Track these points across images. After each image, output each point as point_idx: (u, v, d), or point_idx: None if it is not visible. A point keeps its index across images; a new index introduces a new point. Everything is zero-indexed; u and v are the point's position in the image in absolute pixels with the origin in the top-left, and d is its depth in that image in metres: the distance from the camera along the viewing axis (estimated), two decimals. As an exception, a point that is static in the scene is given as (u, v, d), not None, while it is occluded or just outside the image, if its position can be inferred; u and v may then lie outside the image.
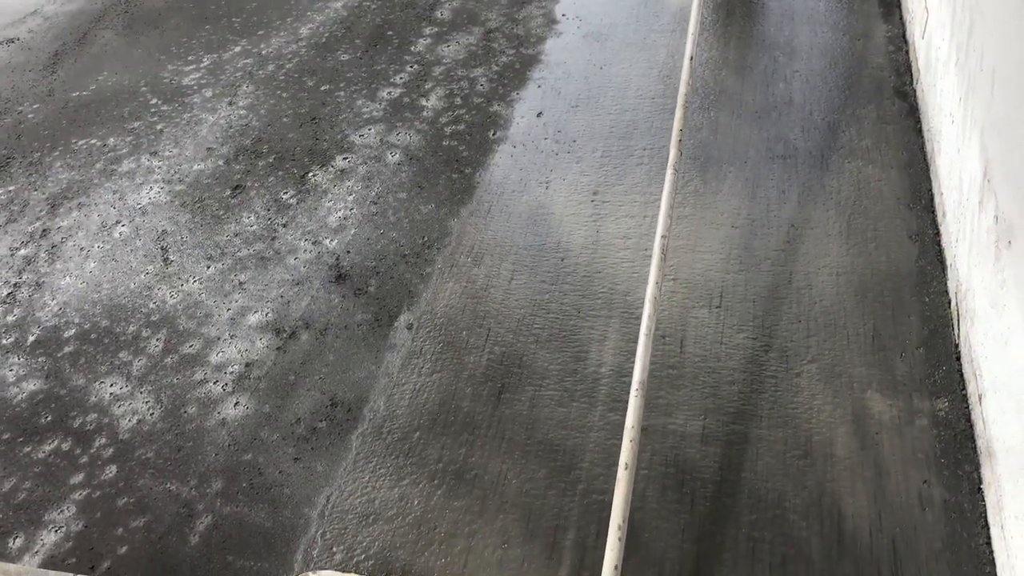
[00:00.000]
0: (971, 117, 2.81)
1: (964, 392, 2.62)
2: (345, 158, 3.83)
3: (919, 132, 3.56)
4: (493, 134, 3.89)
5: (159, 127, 4.16)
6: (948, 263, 2.96)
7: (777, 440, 2.58)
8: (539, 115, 3.96)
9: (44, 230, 3.64)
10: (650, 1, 4.77)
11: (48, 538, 2.57)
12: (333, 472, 2.64)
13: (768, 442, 2.57)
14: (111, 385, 2.98)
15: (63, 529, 2.59)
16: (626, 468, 2.31)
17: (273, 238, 3.46)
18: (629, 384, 2.49)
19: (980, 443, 2.45)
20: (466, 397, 2.80)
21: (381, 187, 3.65)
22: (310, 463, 2.68)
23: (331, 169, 3.78)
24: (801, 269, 3.07)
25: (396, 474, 2.62)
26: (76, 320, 3.23)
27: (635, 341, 2.58)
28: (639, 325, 2.62)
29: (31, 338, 3.17)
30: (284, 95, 4.29)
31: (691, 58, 3.46)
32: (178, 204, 3.69)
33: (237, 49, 4.70)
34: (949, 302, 2.87)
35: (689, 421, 2.65)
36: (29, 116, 4.34)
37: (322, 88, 4.31)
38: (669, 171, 3.02)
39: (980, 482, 2.40)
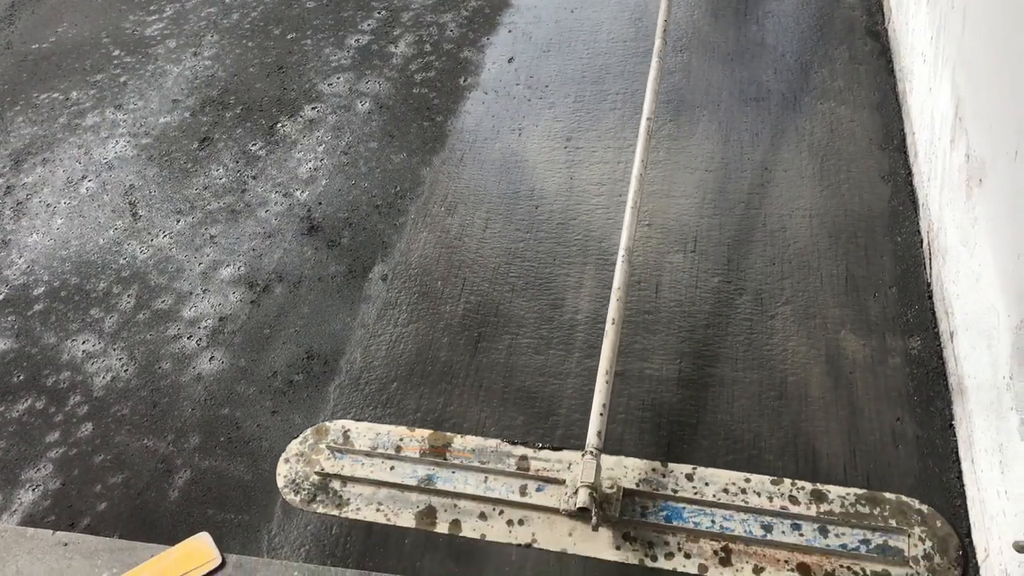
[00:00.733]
0: (942, 55, 2.80)
1: (936, 330, 2.65)
2: (314, 108, 3.77)
3: (891, 72, 3.55)
4: (464, 81, 3.84)
5: (123, 79, 4.07)
6: (920, 202, 2.97)
7: (752, 382, 2.60)
8: (510, 60, 3.91)
9: (8, 187, 3.57)
10: (621, -58, 4.69)
11: (26, 497, 2.56)
12: (311, 424, 2.64)
13: (744, 384, 2.60)
14: (83, 343, 2.95)
15: (40, 487, 2.58)
16: (613, 323, 2.49)
17: (243, 191, 3.41)
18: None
19: (952, 380, 2.48)
20: (443, 347, 2.80)
21: (351, 137, 3.60)
22: (288, 415, 2.68)
23: (300, 119, 3.72)
24: (775, 212, 3.07)
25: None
26: (45, 278, 3.18)
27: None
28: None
29: (-1, 297, 3.13)
30: (250, 44, 4.21)
31: None
32: (145, 158, 3.63)
33: (200, -3, 4.59)
34: (921, 241, 2.89)
35: (665, 365, 2.67)
36: (-13, 70, 4.23)
37: (288, 36, 4.23)
38: (654, 59, 3.21)
39: (951, 418, 2.44)
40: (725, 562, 2.24)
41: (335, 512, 2.43)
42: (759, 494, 2.34)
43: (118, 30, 4.42)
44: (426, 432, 2.57)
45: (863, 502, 2.29)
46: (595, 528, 2.24)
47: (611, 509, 2.29)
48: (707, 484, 2.37)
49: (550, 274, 2.97)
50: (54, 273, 3.19)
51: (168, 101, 3.91)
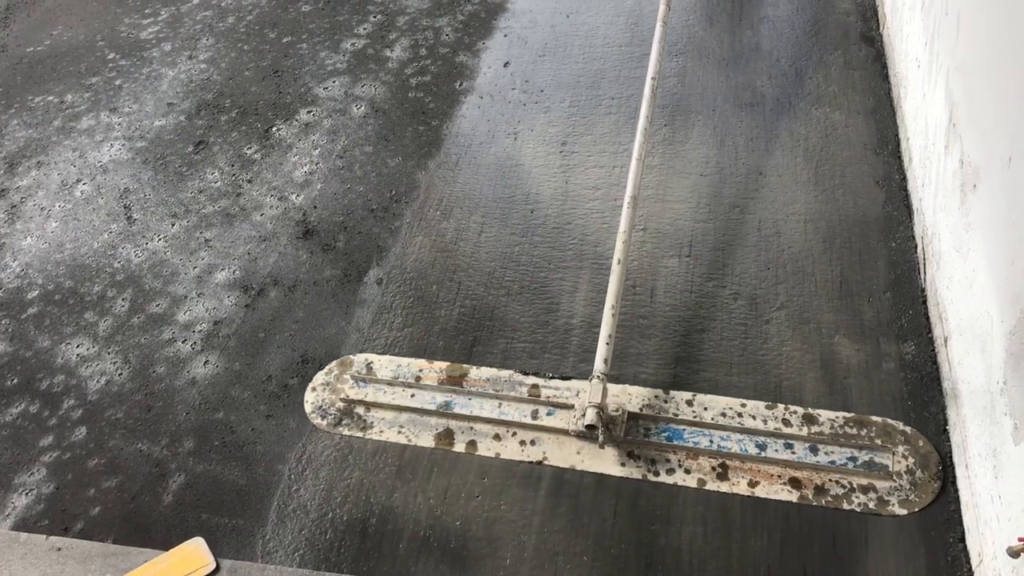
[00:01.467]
0: (937, 61, 2.81)
1: (930, 335, 2.65)
2: (309, 111, 3.77)
3: (885, 77, 3.56)
4: (460, 85, 3.84)
5: (118, 83, 4.07)
6: (914, 208, 2.98)
7: (747, 387, 2.60)
8: (506, 65, 3.92)
9: (2, 190, 3.57)
10: (616, -53, 4.70)
11: (19, 501, 2.55)
12: (305, 428, 2.64)
13: (738, 388, 2.60)
14: (77, 346, 2.95)
15: (34, 491, 2.57)
16: (619, 263, 2.66)
17: (238, 194, 3.41)
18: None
19: (946, 385, 2.49)
20: (438, 351, 2.80)
21: (347, 140, 3.60)
22: (282, 419, 2.67)
23: (295, 123, 3.72)
24: (770, 216, 3.08)
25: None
26: (39, 281, 3.17)
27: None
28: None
29: (-7, 300, 3.12)
30: (245, 48, 4.21)
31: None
32: (140, 161, 3.62)
33: (196, 1, 4.59)
34: (915, 247, 2.90)
35: (660, 370, 2.67)
36: (-18, 73, 4.22)
37: (284, 40, 4.23)
38: (658, 25, 3.43)
39: (946, 423, 2.44)
40: (722, 477, 2.41)
41: (359, 434, 2.60)
42: (754, 417, 2.52)
43: (113, 33, 4.41)
44: (444, 364, 2.74)
45: (851, 424, 2.47)
46: (602, 446, 2.46)
47: (616, 430, 2.47)
48: (706, 409, 2.55)
49: (545, 278, 2.98)
50: (48, 276, 3.18)
51: (163, 104, 3.90)
